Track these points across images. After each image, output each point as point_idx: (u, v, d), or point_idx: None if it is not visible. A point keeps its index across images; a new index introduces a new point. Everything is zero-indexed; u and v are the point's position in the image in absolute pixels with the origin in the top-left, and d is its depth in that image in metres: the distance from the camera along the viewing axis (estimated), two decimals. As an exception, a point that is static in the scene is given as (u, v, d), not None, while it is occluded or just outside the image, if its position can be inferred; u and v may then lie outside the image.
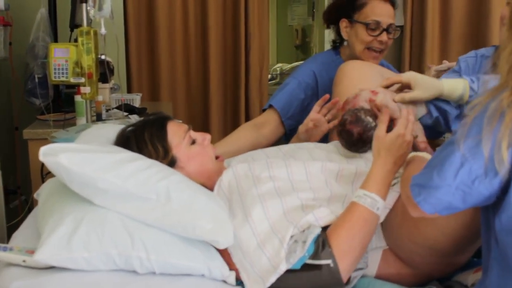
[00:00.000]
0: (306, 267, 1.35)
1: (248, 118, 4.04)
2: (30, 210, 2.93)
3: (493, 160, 1.08)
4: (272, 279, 1.34)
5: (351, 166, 1.67)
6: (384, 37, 2.31)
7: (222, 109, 4.04)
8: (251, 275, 1.38)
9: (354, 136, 1.74)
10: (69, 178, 1.36)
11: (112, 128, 1.81)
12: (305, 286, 1.37)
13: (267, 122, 2.41)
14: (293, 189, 1.54)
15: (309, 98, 2.45)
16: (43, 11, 3.02)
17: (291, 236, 1.38)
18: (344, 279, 1.36)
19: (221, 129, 4.04)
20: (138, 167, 1.41)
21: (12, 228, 2.78)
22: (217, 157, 1.70)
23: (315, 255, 1.35)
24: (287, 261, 1.34)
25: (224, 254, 1.43)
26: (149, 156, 1.56)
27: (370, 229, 1.43)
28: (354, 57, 2.37)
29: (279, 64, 6.25)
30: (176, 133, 1.63)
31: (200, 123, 4.01)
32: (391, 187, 1.53)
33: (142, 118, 1.72)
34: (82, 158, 1.36)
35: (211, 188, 1.58)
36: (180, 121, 1.75)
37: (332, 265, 1.34)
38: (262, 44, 4.02)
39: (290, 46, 6.92)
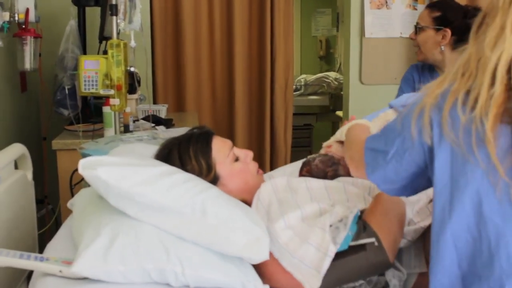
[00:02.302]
0: (351, 250, 1.37)
1: (273, 129, 4.06)
2: (57, 219, 2.98)
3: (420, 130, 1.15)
4: (326, 265, 1.35)
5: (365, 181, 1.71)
6: (411, 35, 2.84)
7: (247, 120, 4.05)
8: (304, 271, 1.38)
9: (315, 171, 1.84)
10: (107, 191, 1.38)
11: (140, 146, 1.83)
12: (354, 270, 1.40)
13: None
14: (329, 199, 1.57)
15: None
16: (72, 23, 3.06)
17: (330, 225, 1.41)
18: (391, 258, 1.38)
19: (246, 139, 4.06)
20: (175, 181, 1.42)
21: (39, 237, 2.82)
22: (258, 171, 1.71)
23: (358, 236, 1.38)
24: (334, 244, 1.36)
25: (261, 267, 1.43)
26: (192, 171, 1.57)
27: (401, 211, 1.49)
28: None
29: (303, 75, 6.25)
30: (221, 150, 1.64)
31: (225, 134, 4.01)
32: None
33: (186, 132, 1.71)
34: (119, 172, 1.37)
35: (251, 202, 1.58)
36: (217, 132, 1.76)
37: (376, 243, 1.37)
38: (287, 55, 4.04)
39: (314, 57, 6.93)
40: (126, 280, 1.30)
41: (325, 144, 1.97)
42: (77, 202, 1.64)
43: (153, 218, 1.37)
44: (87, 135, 2.71)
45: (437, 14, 2.70)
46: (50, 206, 3.27)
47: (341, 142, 1.86)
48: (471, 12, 2.65)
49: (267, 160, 4.03)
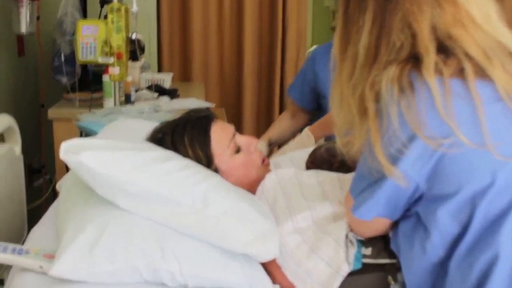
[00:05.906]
0: (367, 268, 1.21)
1: (282, 101, 3.96)
2: (54, 190, 2.85)
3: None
4: (336, 284, 1.20)
5: None
6: None
7: (256, 92, 3.94)
8: (309, 285, 1.23)
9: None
10: (93, 179, 1.21)
11: (141, 124, 1.65)
12: None
13: None
14: (341, 195, 1.38)
15: None
16: (72, -15, 2.89)
17: (346, 235, 1.24)
18: None
19: (254, 112, 3.95)
20: (173, 168, 1.25)
21: (36, 209, 2.70)
22: (263, 160, 1.52)
23: (377, 254, 1.22)
24: (348, 263, 1.20)
25: (270, 265, 1.28)
26: None
27: None
28: None
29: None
30: (220, 140, 1.43)
31: (232, 105, 3.92)
32: None
33: (182, 115, 1.52)
34: (108, 157, 1.20)
35: (253, 193, 1.41)
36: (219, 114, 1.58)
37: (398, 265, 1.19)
38: (299, 25, 3.95)
39: (326, 28, 6.73)
40: (114, 280, 1.15)
41: None
42: (65, 185, 1.48)
43: (146, 209, 1.21)
44: (85, 104, 2.56)
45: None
46: (48, 176, 3.15)
47: None
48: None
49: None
